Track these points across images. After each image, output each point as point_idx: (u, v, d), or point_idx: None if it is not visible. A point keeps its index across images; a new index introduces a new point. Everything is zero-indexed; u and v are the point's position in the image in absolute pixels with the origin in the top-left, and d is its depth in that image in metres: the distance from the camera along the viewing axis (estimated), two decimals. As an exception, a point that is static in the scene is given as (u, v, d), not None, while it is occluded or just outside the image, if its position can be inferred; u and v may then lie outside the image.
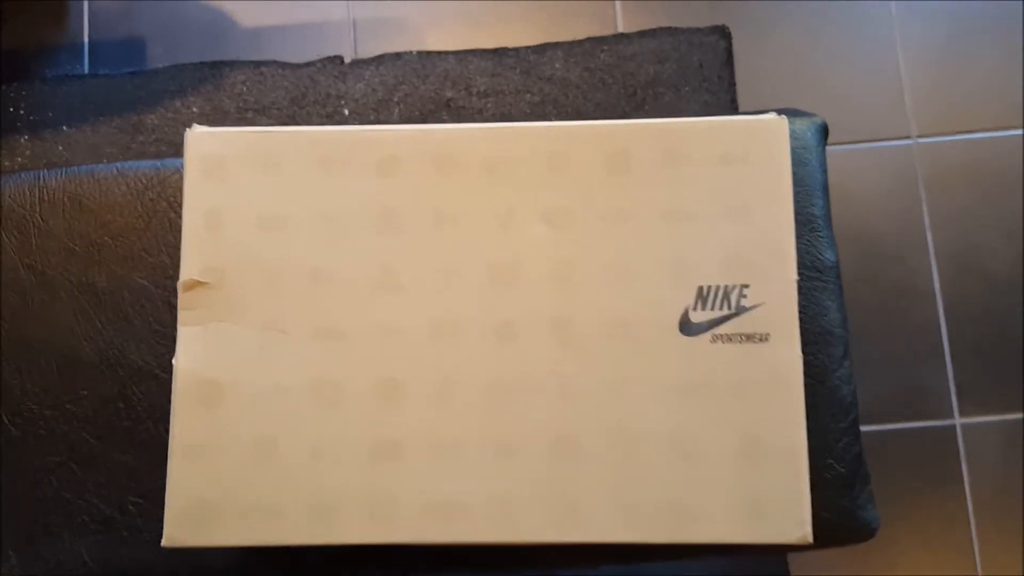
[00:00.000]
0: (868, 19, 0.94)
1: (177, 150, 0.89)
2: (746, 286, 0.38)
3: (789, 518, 0.37)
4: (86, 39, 0.94)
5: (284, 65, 0.92)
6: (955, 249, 0.89)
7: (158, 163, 0.55)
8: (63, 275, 0.52)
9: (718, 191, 0.39)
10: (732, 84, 0.91)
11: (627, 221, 0.39)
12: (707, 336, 0.38)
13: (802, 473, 0.37)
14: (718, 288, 0.38)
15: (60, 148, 0.89)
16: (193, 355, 0.39)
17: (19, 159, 0.89)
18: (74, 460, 0.50)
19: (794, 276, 0.38)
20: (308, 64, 0.92)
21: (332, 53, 0.93)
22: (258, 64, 0.92)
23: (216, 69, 0.92)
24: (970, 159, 0.91)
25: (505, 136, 0.40)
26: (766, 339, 0.38)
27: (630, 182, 0.39)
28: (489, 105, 0.91)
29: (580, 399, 0.38)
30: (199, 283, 0.39)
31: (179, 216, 0.53)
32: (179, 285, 0.40)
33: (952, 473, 0.85)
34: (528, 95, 0.91)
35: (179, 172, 0.54)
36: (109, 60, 0.93)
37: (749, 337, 0.38)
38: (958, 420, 0.86)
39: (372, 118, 0.91)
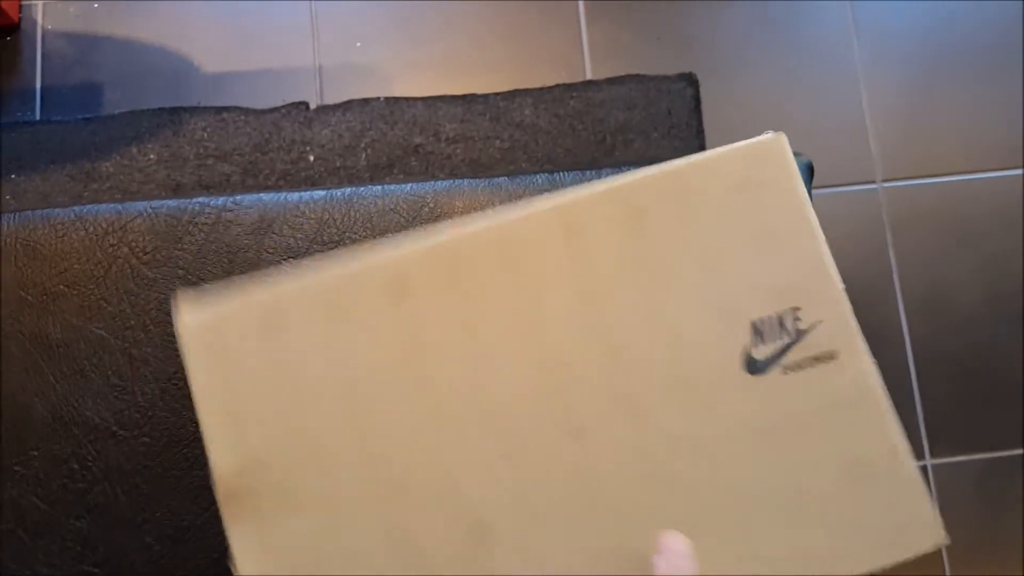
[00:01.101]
0: (832, 66, 0.96)
1: (134, 198, 0.86)
2: (797, 308, 0.36)
3: (920, 527, 0.35)
4: (38, 84, 0.91)
5: (247, 111, 0.90)
6: (922, 291, 0.90)
7: (119, 207, 0.52)
8: (14, 326, 0.49)
9: (740, 221, 0.37)
10: (700, 130, 0.91)
11: (661, 276, 0.37)
12: (777, 370, 0.36)
13: (915, 478, 0.35)
14: (771, 318, 0.36)
15: (8, 197, 0.85)
16: (255, 560, 0.34)
17: (-36, 208, 0.85)
18: (23, 527, 0.46)
19: (840, 284, 0.37)
20: (272, 110, 0.90)
21: (297, 99, 0.91)
22: (220, 110, 0.90)
23: (175, 115, 0.89)
24: (935, 202, 0.92)
25: (514, 227, 0.37)
26: (835, 356, 0.36)
27: (653, 237, 0.37)
28: (458, 151, 0.90)
29: (672, 475, 0.35)
30: (238, 480, 0.34)
31: (141, 263, 0.50)
32: (216, 484, 0.34)
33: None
34: (498, 141, 0.90)
35: (142, 216, 0.51)
36: (62, 106, 0.90)
37: (818, 359, 0.36)
38: (929, 461, 0.86)
39: (338, 163, 0.89)
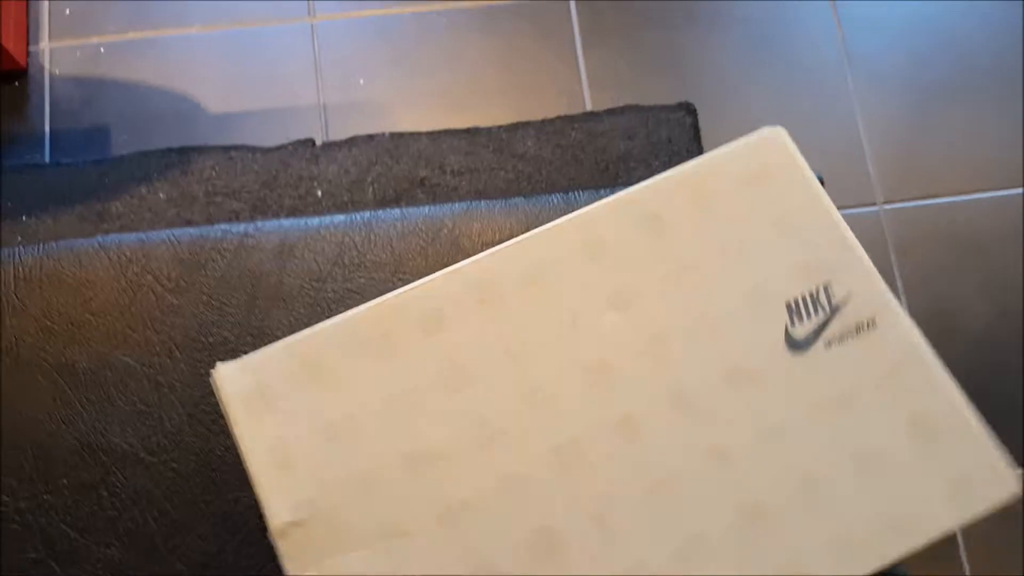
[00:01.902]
0: (827, 92, 0.98)
1: (145, 236, 0.87)
2: (828, 283, 0.37)
3: (993, 478, 0.35)
4: (47, 127, 0.92)
5: (254, 149, 0.91)
6: (929, 311, 0.91)
7: (142, 236, 0.52)
8: (40, 356, 0.49)
9: (755, 210, 0.38)
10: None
11: (687, 272, 0.38)
12: (819, 345, 0.36)
13: (979, 429, 0.36)
14: (804, 297, 0.37)
15: (19, 239, 0.86)
16: None
17: (-26, 251, 0.85)
18: (52, 557, 0.46)
19: (862, 252, 0.38)
20: (279, 147, 0.92)
21: (303, 136, 0.93)
22: (227, 148, 0.91)
23: (184, 155, 0.90)
24: (937, 222, 0.94)
25: (533, 246, 0.38)
26: (874, 323, 0.36)
27: (672, 237, 0.38)
28: (463, 183, 0.91)
29: (738, 463, 0.35)
30: (294, 524, 0.34)
31: (165, 290, 0.51)
32: (273, 534, 0.34)
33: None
34: (502, 172, 0.92)
35: (165, 244, 0.52)
36: (71, 149, 0.91)
37: (859, 328, 0.36)
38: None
39: (346, 198, 0.90)
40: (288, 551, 0.34)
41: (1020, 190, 0.95)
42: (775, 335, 0.37)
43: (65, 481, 0.47)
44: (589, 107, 0.96)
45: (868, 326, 0.37)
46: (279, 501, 0.34)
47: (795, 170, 0.39)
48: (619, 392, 0.36)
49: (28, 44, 0.95)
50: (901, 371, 0.36)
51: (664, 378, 0.36)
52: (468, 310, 0.37)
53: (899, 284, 0.92)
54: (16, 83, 0.93)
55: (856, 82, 0.99)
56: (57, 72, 0.94)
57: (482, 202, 0.56)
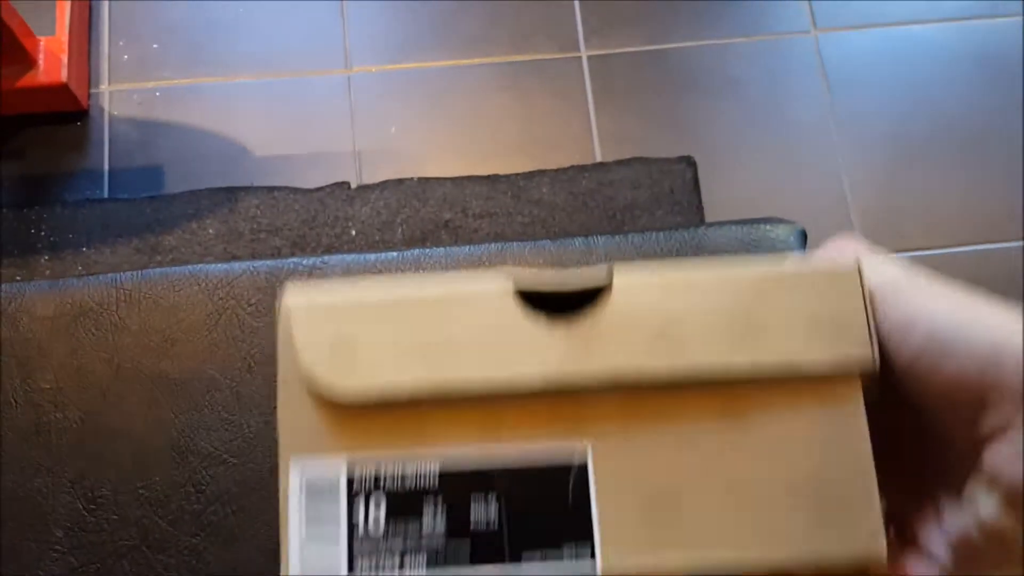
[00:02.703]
0: (815, 149, 1.08)
1: (196, 266, 0.94)
2: None
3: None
4: (106, 166, 1.00)
5: (295, 190, 1.00)
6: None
7: (227, 266, 0.60)
8: (138, 367, 0.57)
9: None
10: (700, 207, 1.02)
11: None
12: None
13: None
14: None
15: (80, 268, 0.94)
16: None
17: (38, 279, 0.93)
18: (145, 544, 0.53)
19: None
20: (318, 189, 1.00)
21: (339, 179, 1.02)
22: (271, 189, 1.00)
23: (231, 194, 0.99)
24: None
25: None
26: None
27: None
28: (484, 225, 1.00)
29: None
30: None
31: (246, 313, 0.59)
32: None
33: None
34: (519, 217, 1.00)
35: (247, 273, 0.60)
36: (128, 185, 1.00)
37: None
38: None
39: (377, 237, 0.98)
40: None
41: (996, 244, 1.04)
42: None
43: (158, 478, 0.54)
44: (599, 158, 1.05)
45: None
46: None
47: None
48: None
49: (90, 87, 1.04)
50: None
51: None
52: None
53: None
54: (78, 123, 1.02)
55: (841, 140, 1.09)
56: (116, 113, 1.03)
57: (514, 243, 0.65)
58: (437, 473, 0.31)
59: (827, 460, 0.32)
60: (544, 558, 0.30)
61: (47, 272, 0.93)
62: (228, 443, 0.55)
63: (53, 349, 0.57)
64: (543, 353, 0.32)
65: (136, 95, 1.04)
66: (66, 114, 1.02)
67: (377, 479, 0.31)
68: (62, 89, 0.99)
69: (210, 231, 0.96)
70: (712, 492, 0.32)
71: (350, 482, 0.31)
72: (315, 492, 0.31)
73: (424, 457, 0.31)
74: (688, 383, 0.32)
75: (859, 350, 0.33)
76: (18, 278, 0.92)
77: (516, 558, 0.30)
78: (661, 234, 0.66)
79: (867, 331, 0.33)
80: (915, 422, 0.33)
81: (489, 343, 0.32)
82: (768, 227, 0.66)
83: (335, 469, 0.31)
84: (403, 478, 0.31)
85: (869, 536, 0.31)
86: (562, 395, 0.32)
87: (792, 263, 0.34)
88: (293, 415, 0.32)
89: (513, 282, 0.33)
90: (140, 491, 0.54)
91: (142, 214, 0.97)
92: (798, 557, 0.31)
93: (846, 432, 0.32)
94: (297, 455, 0.32)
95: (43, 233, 0.95)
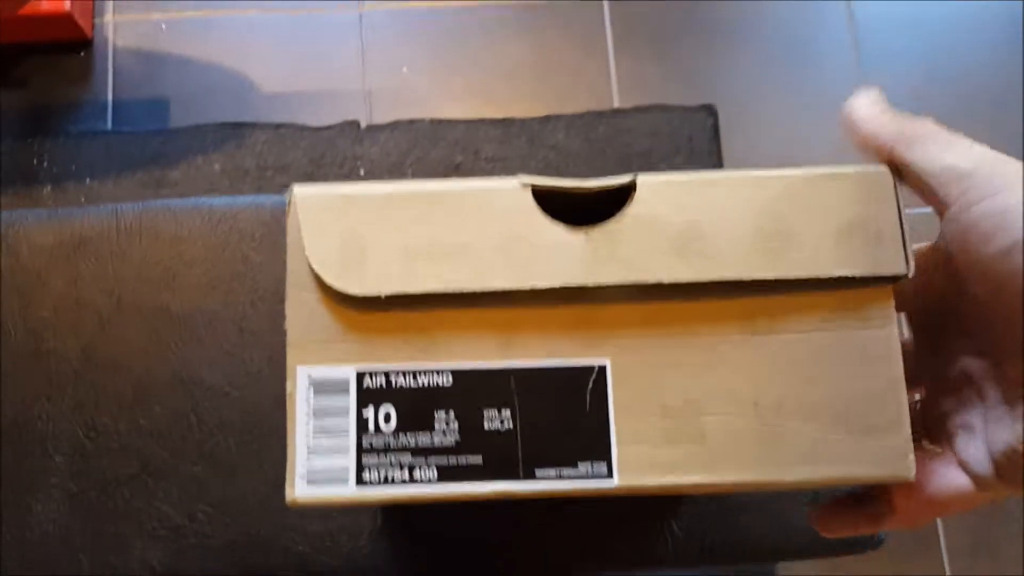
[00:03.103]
0: (839, 98, 1.05)
1: (201, 202, 0.93)
2: None
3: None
4: (110, 97, 0.98)
5: (303, 128, 0.98)
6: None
7: (230, 199, 0.59)
8: (138, 299, 0.56)
9: None
10: (719, 157, 1.00)
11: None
12: None
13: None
14: None
15: (83, 199, 0.92)
16: None
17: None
18: (147, 472, 0.53)
19: None
20: (327, 127, 0.98)
21: (348, 118, 0.99)
22: (278, 126, 0.97)
23: (238, 130, 0.97)
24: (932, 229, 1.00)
25: None
26: None
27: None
28: (496, 170, 0.98)
29: None
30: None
31: (249, 248, 0.57)
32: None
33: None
34: (533, 162, 0.98)
35: (251, 207, 0.58)
36: (132, 118, 0.98)
37: None
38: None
39: (386, 178, 0.97)
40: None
41: None
42: None
43: (159, 409, 0.54)
44: (617, 105, 1.03)
45: None
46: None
47: None
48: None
49: (94, 16, 1.01)
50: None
51: None
52: None
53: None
54: (82, 53, 1.00)
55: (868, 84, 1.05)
56: (121, 44, 1.01)
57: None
58: (450, 382, 0.30)
59: (856, 376, 0.30)
60: (559, 475, 0.29)
61: (50, 203, 0.92)
62: (230, 376, 0.54)
63: (52, 279, 0.56)
64: (562, 257, 0.30)
65: (141, 26, 1.02)
66: (70, 44, 1.00)
67: (388, 387, 0.30)
68: (66, 18, 0.97)
69: (215, 167, 0.94)
70: (736, 407, 0.30)
71: (359, 389, 0.30)
72: (324, 400, 0.30)
73: (436, 365, 0.30)
74: (713, 291, 0.31)
75: (893, 259, 0.31)
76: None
77: (530, 473, 0.29)
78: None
79: (901, 238, 0.31)
80: (977, 316, 0.31)
81: (506, 246, 0.31)
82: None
83: (344, 375, 0.30)
84: (414, 387, 0.30)
85: (898, 456, 0.30)
86: (581, 302, 0.31)
87: (823, 167, 0.32)
88: (301, 315, 0.31)
89: (531, 183, 0.31)
90: (141, 421, 0.53)
91: (146, 148, 0.95)
92: (823, 477, 0.30)
93: (877, 347, 0.31)
94: (305, 358, 0.30)
95: (45, 164, 0.93)
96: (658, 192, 0.31)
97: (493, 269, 0.30)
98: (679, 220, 0.31)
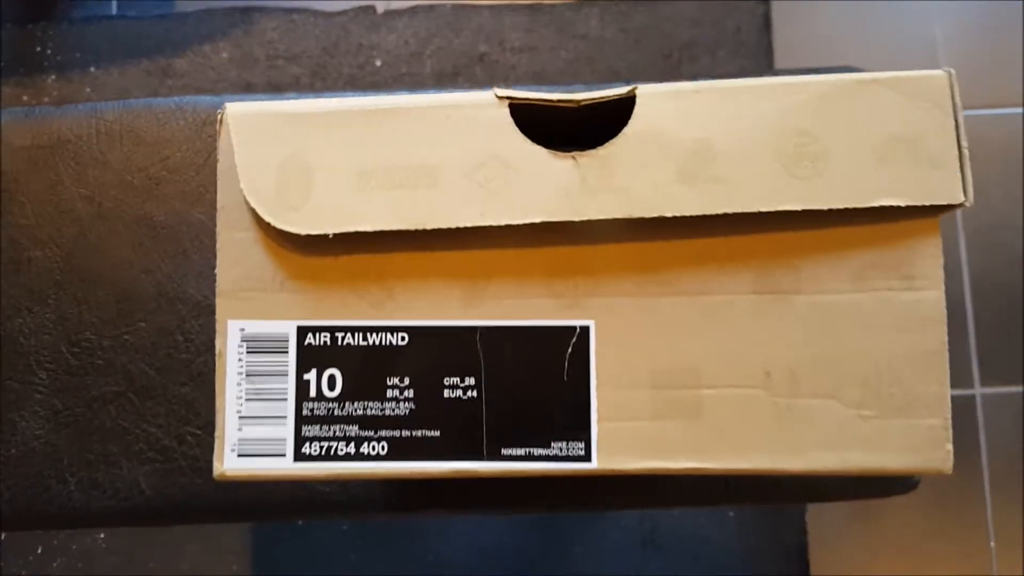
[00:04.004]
0: (903, -11, 0.94)
1: (211, 95, 0.88)
2: None
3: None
4: (114, -21, 0.92)
5: (316, 13, 0.91)
6: (983, 223, 0.90)
7: (217, 99, 0.54)
8: (121, 208, 0.52)
9: None
10: (770, 50, 0.91)
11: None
12: None
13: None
14: None
15: (88, 89, 0.88)
16: None
17: (46, 99, 0.88)
18: (132, 391, 0.50)
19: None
20: (340, 13, 0.91)
21: (363, 3, 0.92)
22: (289, 11, 0.91)
23: (246, 15, 0.90)
24: (1003, 133, 0.91)
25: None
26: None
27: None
28: (523, 61, 0.91)
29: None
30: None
31: (238, 152, 0.53)
32: None
33: (970, 442, 0.87)
34: (563, 52, 0.91)
35: (239, 108, 0.53)
36: (137, 3, 0.92)
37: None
38: (978, 390, 0.88)
39: (404, 70, 0.90)
40: None
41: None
42: None
43: (144, 324, 0.51)
44: (657, -11, 0.93)
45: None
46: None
47: None
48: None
49: None
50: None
51: None
52: None
53: (955, 195, 0.91)
54: (83, -70, 0.93)
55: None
56: (123, -80, 0.94)
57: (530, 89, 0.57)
58: (405, 342, 0.25)
59: (892, 343, 0.25)
60: (529, 455, 0.25)
61: (54, 93, 0.87)
62: (218, 293, 0.51)
63: (31, 182, 0.52)
64: (545, 187, 0.25)
65: (145, -102, 0.94)
66: (71, -82, 0.93)
67: (333, 346, 0.25)
68: None
69: (223, 55, 0.89)
70: (742, 377, 0.25)
71: (300, 348, 0.25)
72: (258, 360, 0.26)
73: (390, 322, 0.26)
74: (726, 227, 0.25)
75: (948, 183, 0.25)
76: (24, 99, 0.87)
77: (495, 452, 0.25)
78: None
79: (958, 158, 0.25)
80: None
81: (477, 174, 0.25)
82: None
83: (283, 331, 0.26)
84: (364, 347, 0.26)
85: (934, 446, 0.25)
86: (566, 243, 0.26)
87: (863, 73, 0.26)
88: (234, 259, 0.26)
89: (508, 96, 0.26)
90: (125, 337, 0.51)
91: (152, 34, 0.89)
92: (845, 466, 0.25)
93: (920, 307, 0.26)
94: (238, 311, 0.26)
95: (49, 51, 0.89)
96: (662, 106, 0.26)
97: (461, 202, 0.25)
98: (687, 139, 0.25)
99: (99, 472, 0.50)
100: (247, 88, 0.89)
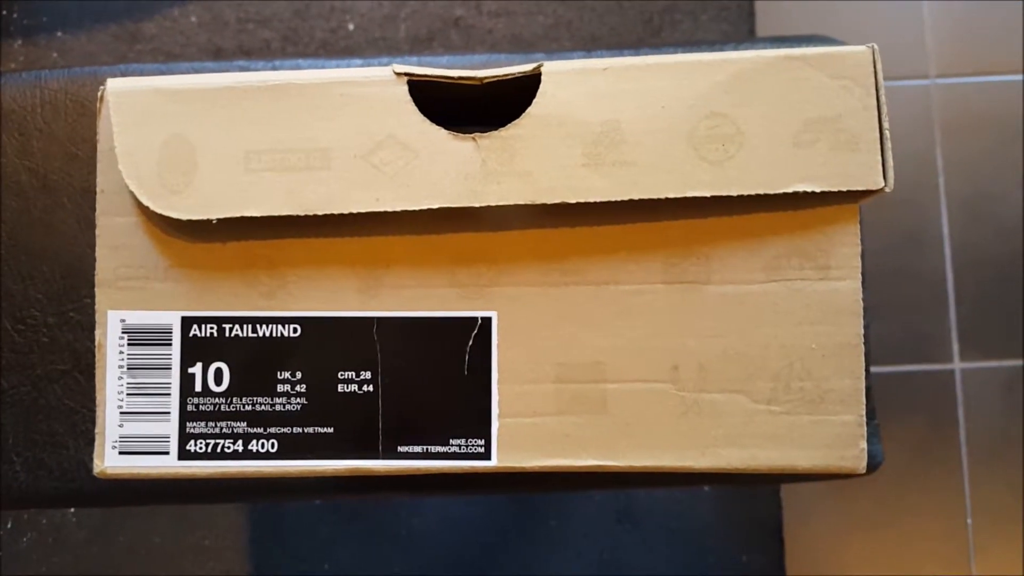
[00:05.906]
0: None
1: (176, 61, 0.86)
2: None
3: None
4: (80, -60, 0.89)
5: (288, -25, 0.89)
6: (966, 194, 0.88)
7: (164, 67, 0.52)
8: (66, 180, 0.51)
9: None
10: (751, 14, 0.88)
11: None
12: None
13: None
14: None
15: (55, 55, 0.86)
16: None
17: (12, 64, 0.86)
18: (79, 369, 0.49)
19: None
20: (313, -25, 0.89)
21: (338, -36, 0.89)
22: (261, -27, 0.88)
23: (217, -23, 0.88)
24: (988, 103, 0.89)
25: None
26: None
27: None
28: (500, 25, 0.88)
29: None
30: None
31: (186, 123, 0.51)
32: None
33: (949, 417, 0.86)
34: (541, 16, 0.88)
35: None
36: (105, -37, 0.89)
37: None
38: (958, 365, 0.87)
39: (377, 34, 0.88)
40: None
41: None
42: None
43: (90, 301, 0.50)
44: (640, -49, 0.90)
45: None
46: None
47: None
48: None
49: None
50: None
51: None
52: None
53: (940, 164, 0.89)
54: None
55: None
56: None
57: (502, 56, 0.55)
58: (297, 334, 0.24)
59: (805, 335, 0.24)
60: (427, 452, 0.24)
61: (20, 58, 0.86)
62: (166, 268, 0.50)
63: (-27, 154, 0.51)
64: (444, 171, 0.24)
65: None
66: None
67: (220, 338, 0.24)
68: None
69: (192, 19, 0.86)
70: (649, 371, 0.24)
71: (185, 340, 0.24)
72: (140, 352, 0.24)
73: (282, 312, 0.24)
74: (634, 213, 0.24)
75: (868, 168, 0.24)
76: (-11, 65, 0.85)
77: (392, 450, 0.24)
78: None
79: (879, 141, 0.24)
80: None
81: (373, 156, 0.24)
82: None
83: (166, 322, 0.25)
84: (253, 339, 0.24)
85: (847, 444, 0.24)
86: (466, 230, 0.25)
87: (781, 49, 0.25)
88: (114, 246, 0.25)
89: (406, 72, 0.24)
90: (71, 314, 0.50)
91: (120, -3, 0.87)
92: (753, 463, 0.24)
93: (835, 298, 0.25)
94: (118, 301, 0.25)
95: (15, 15, 0.87)
96: (569, 84, 0.24)
97: (355, 185, 0.24)
98: (594, 120, 0.24)
99: (45, 452, 0.49)
100: (217, 53, 0.87)
